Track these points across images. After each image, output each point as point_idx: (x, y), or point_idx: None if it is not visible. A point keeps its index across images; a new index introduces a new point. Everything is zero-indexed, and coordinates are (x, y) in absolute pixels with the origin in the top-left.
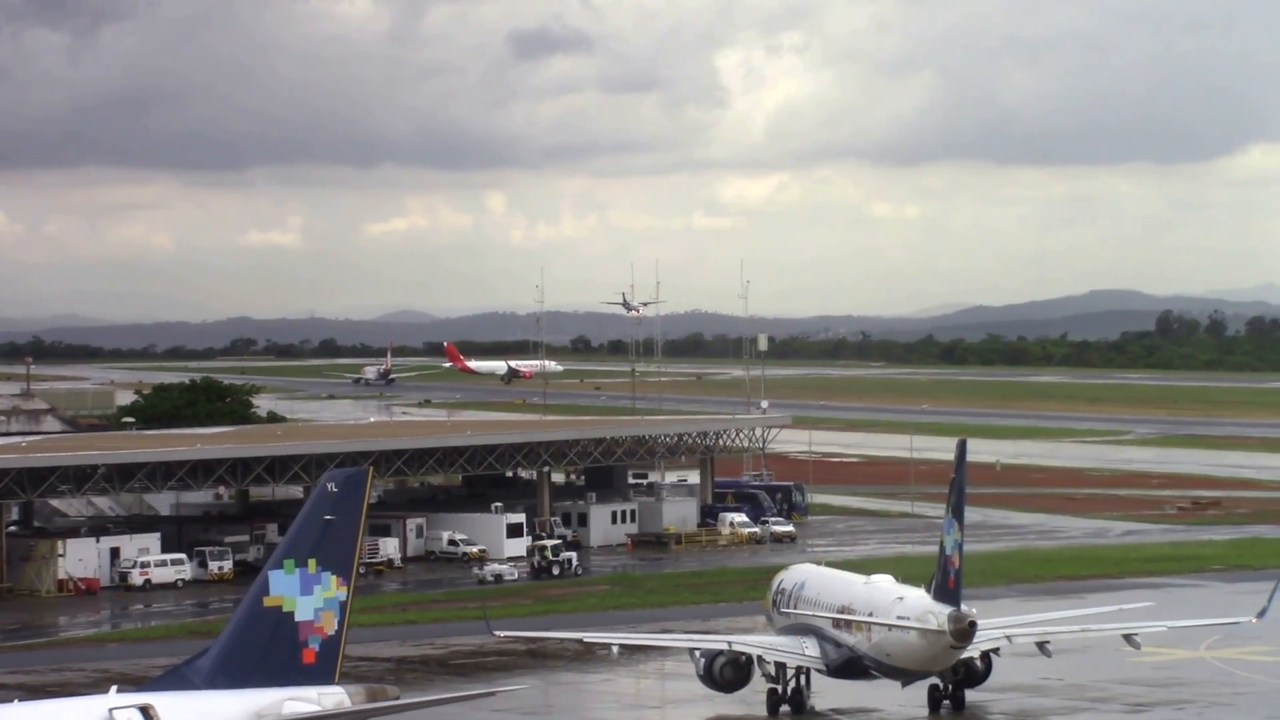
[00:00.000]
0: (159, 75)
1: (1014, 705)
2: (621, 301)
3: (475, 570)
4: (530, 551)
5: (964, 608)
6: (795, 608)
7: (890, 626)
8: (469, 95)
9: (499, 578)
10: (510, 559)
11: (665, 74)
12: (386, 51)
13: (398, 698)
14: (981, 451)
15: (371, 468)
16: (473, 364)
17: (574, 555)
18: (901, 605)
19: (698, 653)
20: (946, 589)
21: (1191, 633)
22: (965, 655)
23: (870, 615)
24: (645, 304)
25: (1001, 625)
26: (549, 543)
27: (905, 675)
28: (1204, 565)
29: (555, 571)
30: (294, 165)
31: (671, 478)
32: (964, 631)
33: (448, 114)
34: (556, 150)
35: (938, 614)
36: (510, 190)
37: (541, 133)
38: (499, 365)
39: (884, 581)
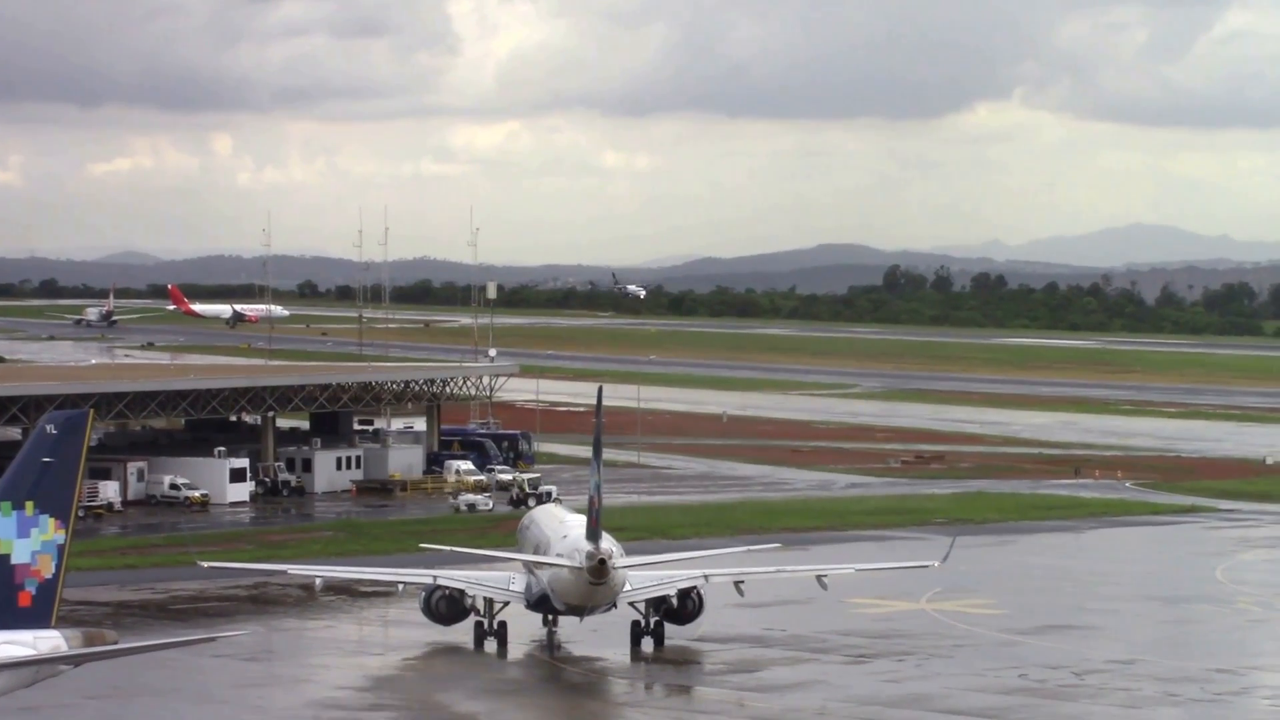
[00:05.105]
0: None
1: (736, 656)
2: (612, 281)
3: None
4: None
5: (602, 545)
6: (522, 546)
7: (552, 564)
8: (196, 35)
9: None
10: (232, 504)
11: (396, 19)
12: None
13: (116, 642)
14: (708, 403)
15: (92, 410)
16: (197, 307)
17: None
18: (563, 544)
19: (402, 586)
20: (592, 528)
21: (906, 584)
22: (660, 594)
23: (545, 554)
24: (636, 285)
25: (696, 561)
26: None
27: (573, 611)
28: (926, 518)
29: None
30: (14, 103)
31: (398, 425)
32: (596, 569)
33: (174, 54)
34: (285, 93)
35: (581, 551)
36: (237, 132)
37: (270, 75)
38: (224, 309)
39: (573, 523)
